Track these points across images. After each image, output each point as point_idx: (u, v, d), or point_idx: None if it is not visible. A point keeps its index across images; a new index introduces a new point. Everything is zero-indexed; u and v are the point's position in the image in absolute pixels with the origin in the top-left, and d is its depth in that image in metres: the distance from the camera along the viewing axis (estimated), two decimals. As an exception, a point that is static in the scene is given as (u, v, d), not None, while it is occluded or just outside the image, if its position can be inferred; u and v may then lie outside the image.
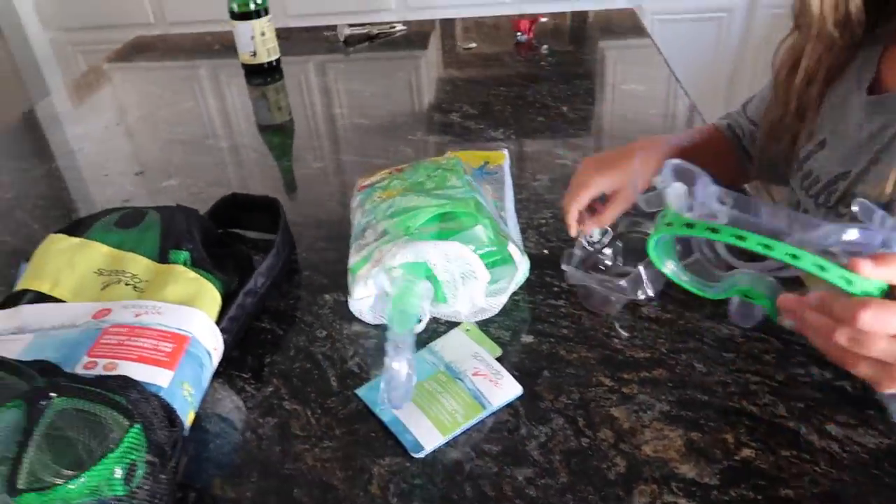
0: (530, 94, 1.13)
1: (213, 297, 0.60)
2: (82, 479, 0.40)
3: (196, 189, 0.93)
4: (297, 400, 0.58)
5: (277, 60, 1.32)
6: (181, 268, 0.61)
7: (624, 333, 0.61)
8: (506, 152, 0.86)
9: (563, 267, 0.63)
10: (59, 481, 0.40)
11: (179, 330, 0.54)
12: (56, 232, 0.67)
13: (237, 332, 0.63)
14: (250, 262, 0.70)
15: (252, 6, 1.24)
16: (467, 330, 0.63)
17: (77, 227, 0.67)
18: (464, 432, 0.53)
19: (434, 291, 0.62)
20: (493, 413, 0.55)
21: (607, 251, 0.67)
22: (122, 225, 0.67)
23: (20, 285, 0.61)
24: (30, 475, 0.41)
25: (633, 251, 0.67)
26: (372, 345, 0.63)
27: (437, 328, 0.64)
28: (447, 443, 0.53)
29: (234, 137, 1.09)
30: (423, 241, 0.57)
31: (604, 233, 0.69)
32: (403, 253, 0.55)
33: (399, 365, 0.50)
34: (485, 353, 0.60)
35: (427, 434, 0.53)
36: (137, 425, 0.43)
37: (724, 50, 2.40)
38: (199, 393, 0.54)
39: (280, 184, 0.96)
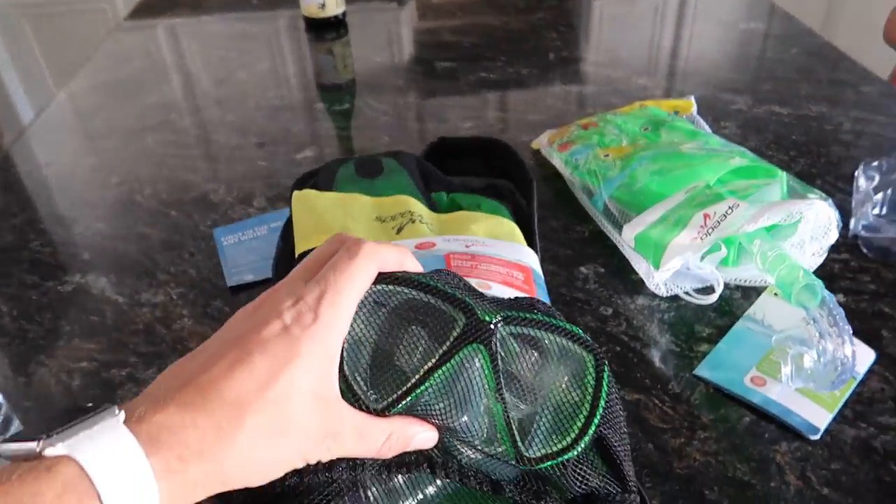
0: (649, 35, 1.07)
1: (516, 231, 0.53)
2: (590, 432, 0.33)
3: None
4: (632, 388, 0.52)
5: (344, 13, 1.19)
6: (467, 213, 0.54)
7: (930, 284, 0.58)
8: (692, 99, 0.81)
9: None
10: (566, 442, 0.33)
11: (518, 261, 0.47)
12: (296, 189, 0.57)
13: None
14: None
15: (323, -49, 1.11)
16: (775, 294, 0.58)
17: (316, 184, 0.58)
18: (844, 405, 0.49)
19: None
20: (862, 381, 0.51)
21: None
22: (364, 174, 0.58)
23: (303, 246, 0.50)
24: (532, 437, 0.33)
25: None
26: (674, 318, 0.57)
27: (730, 295, 0.59)
28: (834, 419, 0.48)
29: (340, 100, 0.98)
30: (791, 200, 0.51)
31: None
32: (769, 214, 0.49)
33: (849, 348, 0.44)
34: (815, 317, 0.55)
35: (812, 412, 0.48)
36: (605, 364, 0.34)
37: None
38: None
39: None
